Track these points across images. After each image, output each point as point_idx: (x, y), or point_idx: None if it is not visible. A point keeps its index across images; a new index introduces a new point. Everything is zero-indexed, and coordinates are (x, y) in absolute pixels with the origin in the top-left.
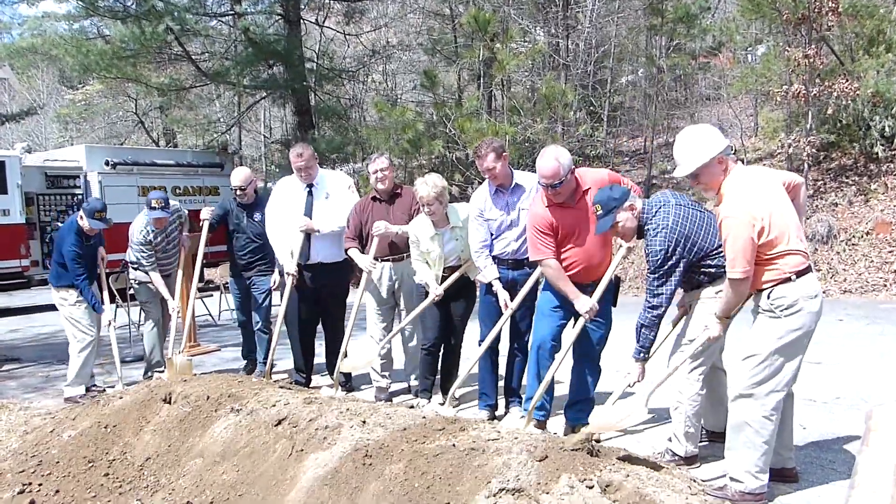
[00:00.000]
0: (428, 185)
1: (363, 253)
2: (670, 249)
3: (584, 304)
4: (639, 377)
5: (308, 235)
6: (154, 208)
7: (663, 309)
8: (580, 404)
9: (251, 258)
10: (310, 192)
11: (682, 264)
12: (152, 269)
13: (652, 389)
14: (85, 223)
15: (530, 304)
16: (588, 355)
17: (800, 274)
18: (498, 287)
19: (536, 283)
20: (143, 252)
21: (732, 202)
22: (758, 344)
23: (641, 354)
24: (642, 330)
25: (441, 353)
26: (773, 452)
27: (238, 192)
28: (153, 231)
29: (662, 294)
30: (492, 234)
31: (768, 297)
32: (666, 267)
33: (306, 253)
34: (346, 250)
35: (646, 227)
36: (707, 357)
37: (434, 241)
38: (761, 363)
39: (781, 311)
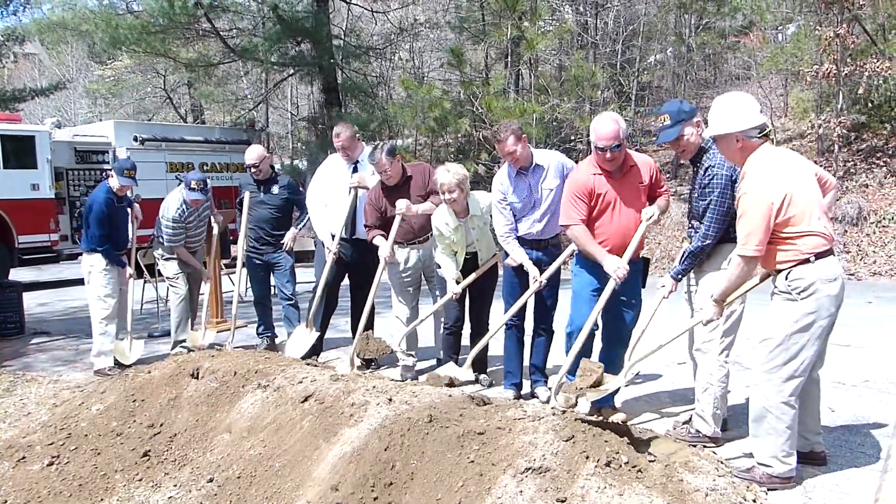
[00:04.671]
0: (449, 172)
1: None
2: (734, 175)
3: (613, 263)
4: (672, 289)
5: (354, 210)
6: (193, 189)
7: (712, 241)
8: None
9: (271, 230)
10: (354, 170)
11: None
12: (179, 246)
13: (631, 364)
14: (115, 181)
15: (555, 283)
16: (618, 337)
17: (819, 256)
18: (529, 265)
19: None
20: (174, 229)
21: (752, 179)
22: (773, 327)
23: (679, 276)
24: (690, 256)
25: (471, 334)
26: (799, 436)
27: (252, 170)
28: (188, 210)
29: (717, 225)
30: (515, 217)
31: (786, 279)
32: (727, 194)
33: (350, 227)
34: (370, 239)
35: (710, 151)
36: (733, 338)
37: (458, 231)
38: (777, 346)
39: (798, 293)
